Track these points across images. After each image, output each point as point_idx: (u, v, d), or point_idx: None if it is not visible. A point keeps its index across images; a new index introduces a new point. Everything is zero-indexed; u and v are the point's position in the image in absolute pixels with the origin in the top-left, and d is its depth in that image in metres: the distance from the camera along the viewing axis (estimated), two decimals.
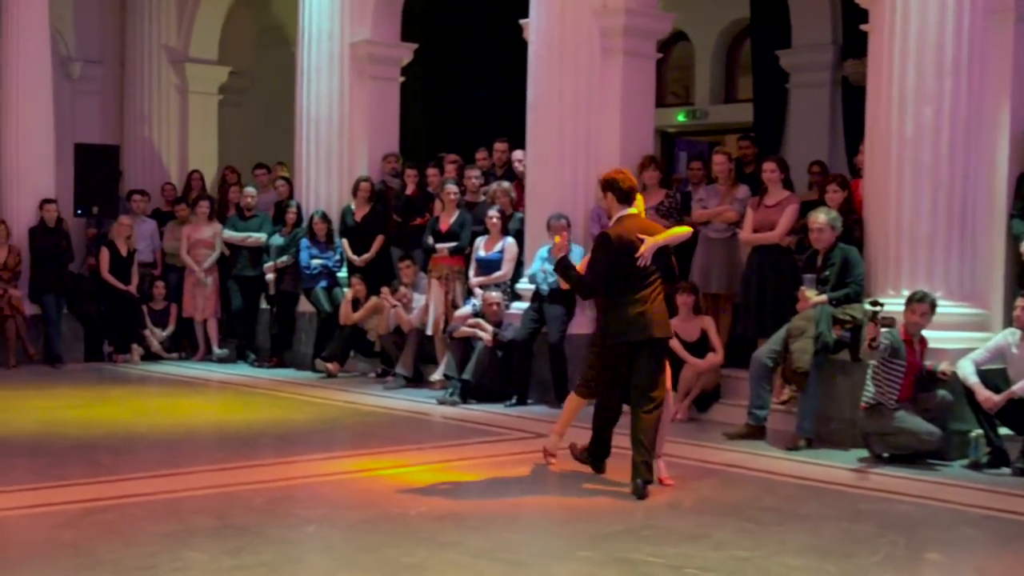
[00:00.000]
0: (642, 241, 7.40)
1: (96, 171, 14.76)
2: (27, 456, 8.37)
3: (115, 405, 10.70)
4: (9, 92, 13.70)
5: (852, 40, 12.96)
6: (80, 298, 13.98)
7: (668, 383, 7.62)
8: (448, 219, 12.18)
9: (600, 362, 7.69)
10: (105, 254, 13.92)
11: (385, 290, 12.36)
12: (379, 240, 13.24)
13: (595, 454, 7.85)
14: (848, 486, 7.67)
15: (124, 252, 13.98)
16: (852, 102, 13.01)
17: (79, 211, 14.82)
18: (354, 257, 13.24)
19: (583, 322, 11.11)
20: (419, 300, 12.21)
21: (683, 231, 7.75)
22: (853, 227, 9.35)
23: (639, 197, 7.69)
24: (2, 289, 13.21)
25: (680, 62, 17.29)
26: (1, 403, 10.67)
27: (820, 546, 6.12)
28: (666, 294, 7.64)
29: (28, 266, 13.59)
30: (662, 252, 7.51)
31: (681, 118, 17.04)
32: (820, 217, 9.15)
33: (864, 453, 8.56)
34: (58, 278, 13.64)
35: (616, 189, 7.57)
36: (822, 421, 9.01)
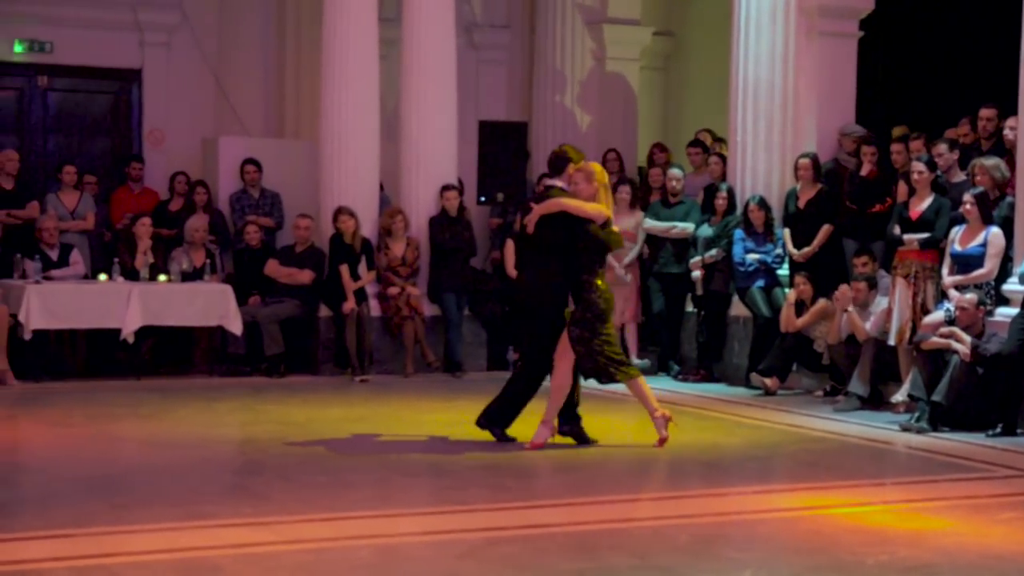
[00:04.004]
0: (531, 210, 9.57)
1: (502, 152, 15.39)
2: (426, 476, 8.90)
3: (520, 420, 11.13)
4: (410, 65, 14.45)
5: None
6: (483, 298, 14.65)
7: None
8: (919, 204, 11.87)
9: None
10: (511, 247, 14.49)
11: (844, 288, 12.11)
12: (825, 230, 13.08)
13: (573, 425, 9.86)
14: None
15: None
16: None
17: (482, 198, 15.50)
18: (794, 251, 13.16)
19: None
20: (879, 303, 11.98)
21: (585, 207, 9.42)
22: None
23: (596, 169, 9.66)
24: (399, 287, 14.05)
25: None
26: (398, 416, 11.39)
27: None
28: (582, 268, 9.45)
29: (427, 261, 14.39)
30: (566, 224, 9.41)
31: None
32: None
33: None
34: (460, 275, 14.33)
35: (548, 160, 10.05)
36: None
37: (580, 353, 9.51)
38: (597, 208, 9.55)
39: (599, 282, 9.56)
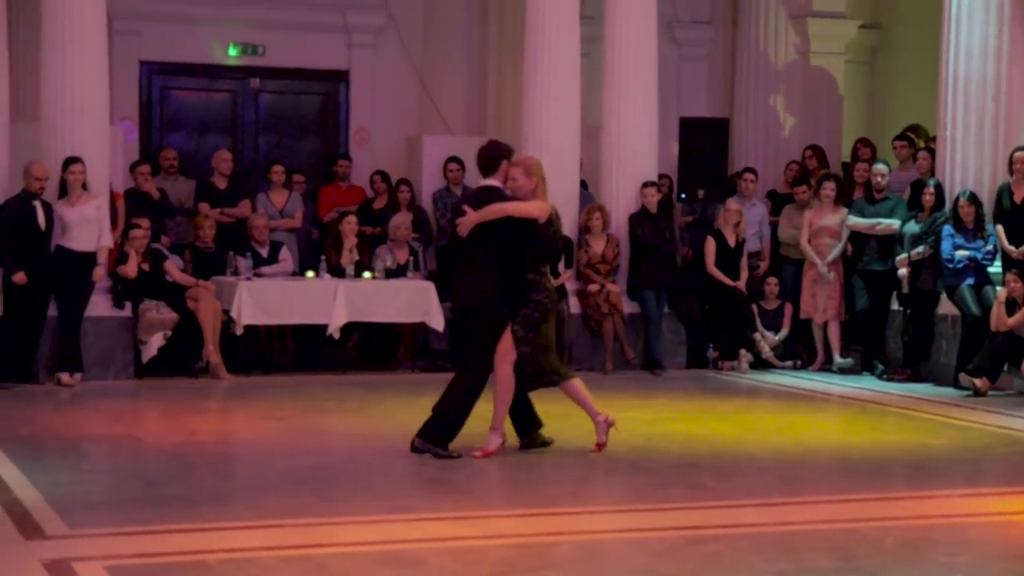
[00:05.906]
0: (464, 213, 8.99)
1: (702, 149, 15.33)
2: (626, 474, 8.89)
3: (721, 419, 11.08)
4: (612, 62, 14.42)
5: None
6: (683, 295, 14.57)
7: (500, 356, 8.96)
8: None
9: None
10: (711, 244, 14.40)
11: None
12: None
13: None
14: None
15: (732, 242, 14.40)
16: None
17: (683, 195, 15.47)
18: (1010, 248, 12.78)
19: None
20: None
21: (528, 208, 8.86)
22: None
23: (534, 162, 9.15)
24: (599, 284, 14.06)
25: None
26: None
27: None
28: (527, 267, 8.93)
29: (627, 258, 14.37)
30: (507, 227, 8.86)
31: None
32: None
33: None
34: (659, 272, 14.26)
35: (477, 159, 9.29)
36: None
37: (523, 354, 8.99)
38: (539, 206, 8.97)
39: (546, 281, 9.11)
